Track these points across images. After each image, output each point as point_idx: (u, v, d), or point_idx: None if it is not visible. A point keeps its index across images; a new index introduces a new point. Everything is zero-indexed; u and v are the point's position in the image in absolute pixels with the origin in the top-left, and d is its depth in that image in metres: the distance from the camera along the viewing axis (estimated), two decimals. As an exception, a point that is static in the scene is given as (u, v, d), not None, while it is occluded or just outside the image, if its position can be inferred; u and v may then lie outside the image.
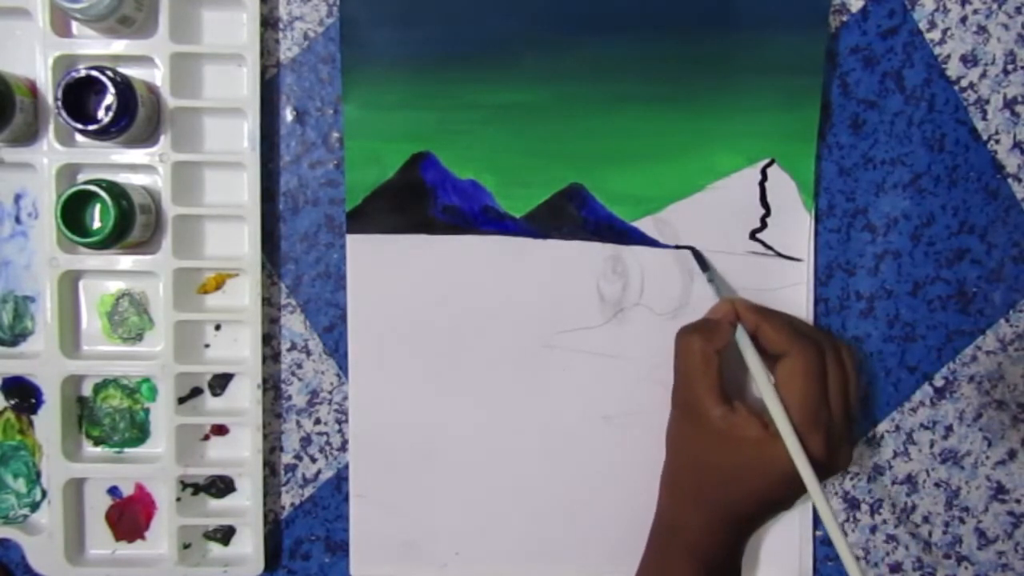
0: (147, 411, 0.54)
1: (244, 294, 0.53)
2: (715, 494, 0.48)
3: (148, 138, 0.52)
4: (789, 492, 0.49)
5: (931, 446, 0.56)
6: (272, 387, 0.55)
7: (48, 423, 0.52)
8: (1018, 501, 0.56)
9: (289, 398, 0.55)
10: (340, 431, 0.55)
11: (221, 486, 0.54)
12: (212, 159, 0.53)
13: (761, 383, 0.48)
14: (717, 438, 0.47)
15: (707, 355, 0.48)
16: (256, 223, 0.52)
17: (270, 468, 0.55)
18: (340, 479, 0.55)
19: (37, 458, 0.54)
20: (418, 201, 0.53)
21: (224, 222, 0.53)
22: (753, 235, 0.53)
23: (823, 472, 0.47)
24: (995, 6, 0.53)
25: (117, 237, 0.49)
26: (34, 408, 0.53)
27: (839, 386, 0.48)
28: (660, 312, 0.54)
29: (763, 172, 0.53)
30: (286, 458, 0.55)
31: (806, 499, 0.54)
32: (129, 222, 0.49)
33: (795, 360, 0.47)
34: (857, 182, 0.54)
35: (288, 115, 0.54)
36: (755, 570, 0.55)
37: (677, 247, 0.53)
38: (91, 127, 0.48)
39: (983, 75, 0.54)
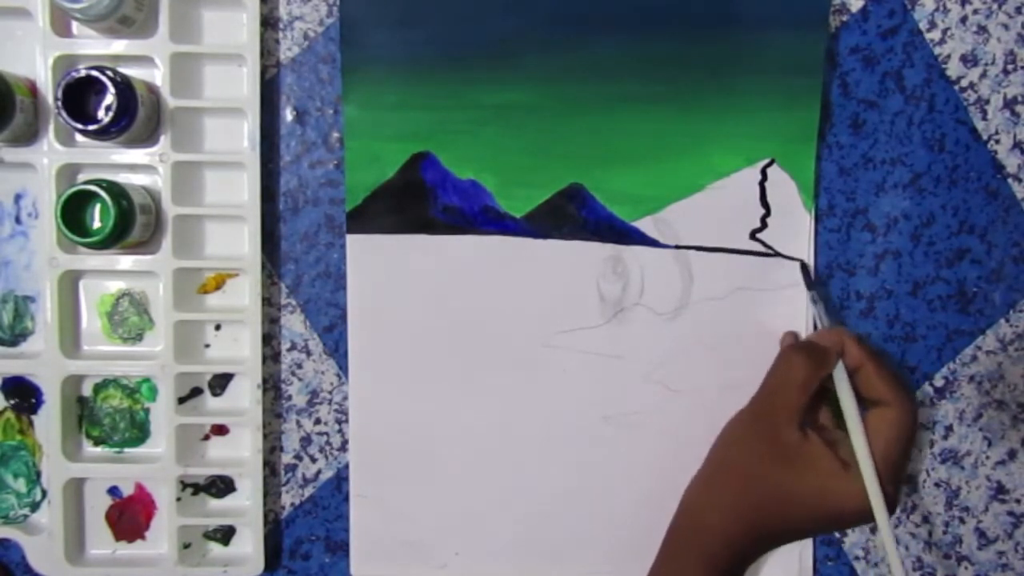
0: (147, 411, 0.54)
1: (244, 294, 0.53)
2: (755, 507, 0.48)
3: (148, 138, 0.52)
4: (831, 527, 0.50)
5: (931, 446, 0.56)
6: (272, 387, 0.55)
7: (48, 423, 0.52)
8: (1018, 501, 0.56)
9: (289, 398, 0.55)
10: (340, 431, 0.55)
11: (221, 486, 0.54)
12: (212, 159, 0.53)
13: (852, 423, 0.47)
14: (781, 458, 0.48)
15: (809, 380, 0.48)
16: (256, 223, 0.52)
17: (270, 468, 0.55)
18: (340, 479, 0.55)
19: (37, 458, 0.54)
20: (418, 201, 0.53)
21: (224, 222, 0.53)
22: (753, 235, 0.53)
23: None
24: (995, 6, 0.53)
25: (117, 237, 0.49)
26: (34, 408, 0.53)
27: (913, 443, 0.49)
28: (660, 312, 0.54)
29: (763, 172, 0.53)
30: (286, 458, 0.55)
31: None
32: (129, 222, 0.49)
33: (893, 411, 0.47)
34: (857, 182, 0.54)
35: (288, 115, 0.54)
36: (755, 570, 0.55)
37: (677, 247, 0.53)
38: (91, 127, 0.48)
39: (983, 75, 0.54)
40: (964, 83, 0.54)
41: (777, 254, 0.54)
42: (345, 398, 0.55)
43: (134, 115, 0.49)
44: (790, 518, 0.48)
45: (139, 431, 0.54)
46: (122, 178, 0.51)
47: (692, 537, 0.49)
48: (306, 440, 0.55)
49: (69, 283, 0.53)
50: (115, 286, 0.54)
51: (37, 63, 0.50)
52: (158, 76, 0.51)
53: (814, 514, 0.48)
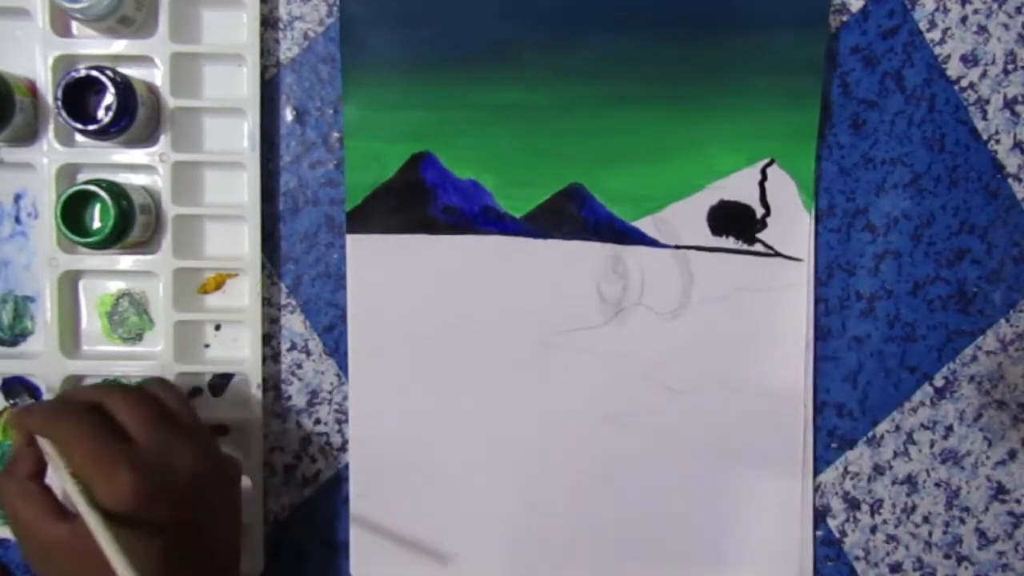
0: (147, 411, 0.54)
1: (244, 294, 0.53)
2: None
3: (148, 138, 0.52)
4: None
5: (931, 446, 0.56)
6: (272, 387, 0.55)
7: (48, 423, 0.52)
8: (1018, 501, 0.56)
9: (289, 398, 0.55)
10: (340, 431, 0.55)
11: (221, 486, 0.54)
12: (212, 159, 0.53)
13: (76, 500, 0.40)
14: (72, 557, 0.40)
15: (23, 489, 0.42)
16: (256, 223, 0.52)
17: (270, 468, 0.55)
18: (340, 479, 0.55)
19: (37, 458, 0.54)
20: (418, 201, 0.53)
21: (224, 222, 0.53)
22: (753, 235, 0.53)
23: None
24: (995, 6, 0.53)
25: (117, 237, 0.49)
26: (34, 408, 0.53)
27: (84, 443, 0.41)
28: (660, 312, 0.54)
29: (763, 172, 0.53)
30: (286, 458, 0.55)
31: (805, 497, 0.54)
32: (129, 222, 0.49)
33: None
34: (857, 182, 0.54)
35: (288, 115, 0.54)
36: (755, 570, 0.55)
37: (677, 247, 0.53)
38: (91, 127, 0.48)
39: (983, 75, 0.54)
40: (964, 83, 0.54)
41: (777, 254, 0.54)
42: (345, 398, 0.54)
43: (134, 115, 0.49)
44: None
45: (139, 431, 0.54)
46: (122, 178, 0.51)
47: None
48: (306, 440, 0.55)
49: (69, 283, 0.53)
50: (115, 286, 0.54)
51: (37, 63, 0.50)
52: (158, 76, 0.51)
53: None
